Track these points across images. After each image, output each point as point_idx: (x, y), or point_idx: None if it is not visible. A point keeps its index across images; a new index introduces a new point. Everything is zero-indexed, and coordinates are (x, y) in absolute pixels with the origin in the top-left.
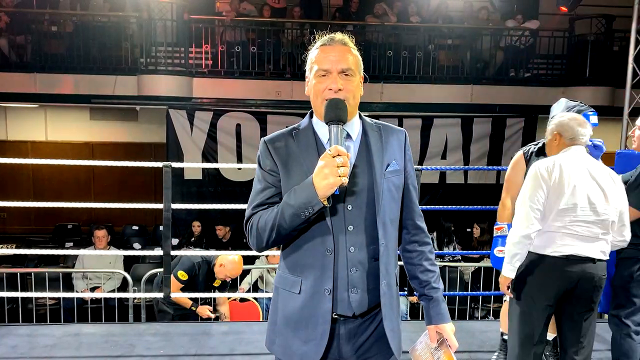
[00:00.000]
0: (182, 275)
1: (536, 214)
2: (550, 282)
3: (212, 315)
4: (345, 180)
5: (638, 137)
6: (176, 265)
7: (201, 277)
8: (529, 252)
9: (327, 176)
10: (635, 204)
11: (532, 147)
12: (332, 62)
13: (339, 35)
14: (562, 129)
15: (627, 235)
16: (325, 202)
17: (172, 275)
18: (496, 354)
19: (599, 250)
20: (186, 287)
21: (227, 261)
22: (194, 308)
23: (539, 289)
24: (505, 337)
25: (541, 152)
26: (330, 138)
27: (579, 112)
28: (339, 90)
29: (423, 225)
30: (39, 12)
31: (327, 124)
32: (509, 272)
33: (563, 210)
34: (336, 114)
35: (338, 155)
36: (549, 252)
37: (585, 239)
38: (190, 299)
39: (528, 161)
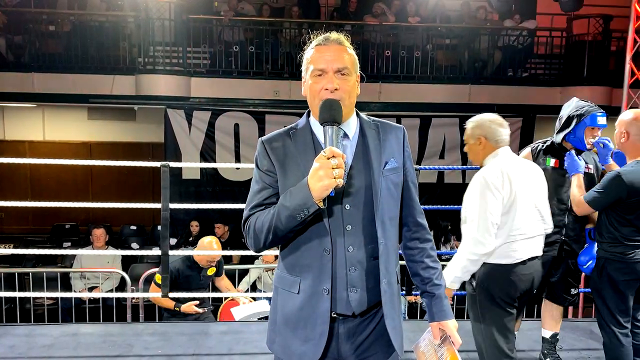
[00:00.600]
0: (159, 278)
1: (495, 229)
2: (514, 288)
3: (200, 310)
4: (341, 182)
5: (616, 135)
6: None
7: (186, 273)
8: (487, 263)
9: (322, 178)
10: (589, 199)
11: (540, 145)
12: (328, 62)
13: (334, 35)
14: (486, 131)
15: (550, 222)
16: (321, 204)
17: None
18: None
19: (541, 246)
20: (174, 287)
21: (202, 247)
22: (177, 308)
23: (507, 297)
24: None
25: (549, 150)
26: (325, 139)
27: (588, 112)
28: (336, 89)
29: (424, 222)
30: (36, 11)
31: (321, 124)
32: (455, 285)
33: (518, 218)
34: (330, 114)
35: (333, 156)
36: (509, 261)
37: (532, 239)
38: (183, 299)
39: (536, 158)
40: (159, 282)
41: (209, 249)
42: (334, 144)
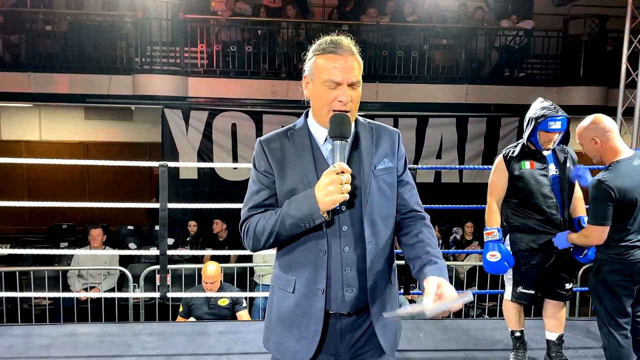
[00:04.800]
0: (180, 307)
1: None
2: None
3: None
4: (347, 197)
5: (587, 147)
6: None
7: (195, 301)
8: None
9: (332, 193)
10: (593, 220)
11: (510, 150)
12: (344, 74)
13: (344, 41)
14: None
15: None
16: (326, 216)
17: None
18: (512, 354)
19: None
20: (189, 313)
21: (204, 277)
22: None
23: None
24: (517, 334)
25: (521, 154)
26: (335, 154)
27: (543, 117)
28: (348, 102)
29: (419, 209)
30: (33, 11)
31: (331, 138)
32: None
33: None
34: (341, 130)
35: (342, 172)
36: None
37: None
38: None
39: (509, 164)
40: (180, 309)
41: (205, 274)
42: (342, 160)
